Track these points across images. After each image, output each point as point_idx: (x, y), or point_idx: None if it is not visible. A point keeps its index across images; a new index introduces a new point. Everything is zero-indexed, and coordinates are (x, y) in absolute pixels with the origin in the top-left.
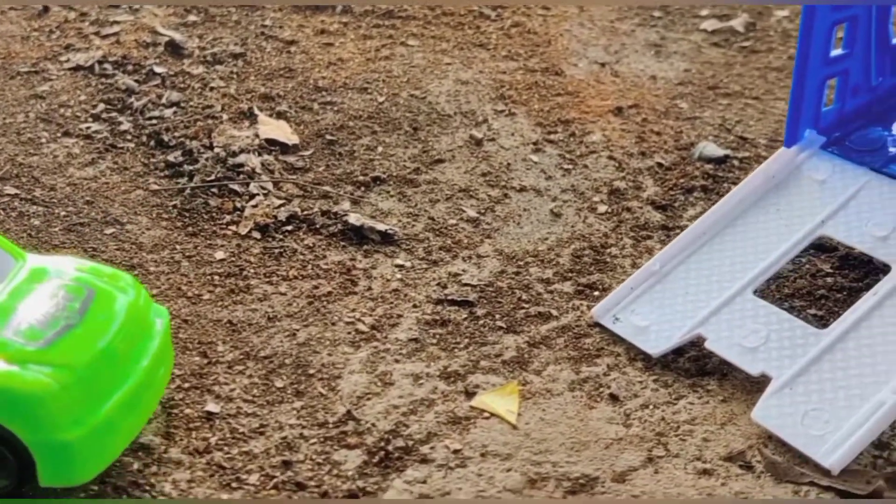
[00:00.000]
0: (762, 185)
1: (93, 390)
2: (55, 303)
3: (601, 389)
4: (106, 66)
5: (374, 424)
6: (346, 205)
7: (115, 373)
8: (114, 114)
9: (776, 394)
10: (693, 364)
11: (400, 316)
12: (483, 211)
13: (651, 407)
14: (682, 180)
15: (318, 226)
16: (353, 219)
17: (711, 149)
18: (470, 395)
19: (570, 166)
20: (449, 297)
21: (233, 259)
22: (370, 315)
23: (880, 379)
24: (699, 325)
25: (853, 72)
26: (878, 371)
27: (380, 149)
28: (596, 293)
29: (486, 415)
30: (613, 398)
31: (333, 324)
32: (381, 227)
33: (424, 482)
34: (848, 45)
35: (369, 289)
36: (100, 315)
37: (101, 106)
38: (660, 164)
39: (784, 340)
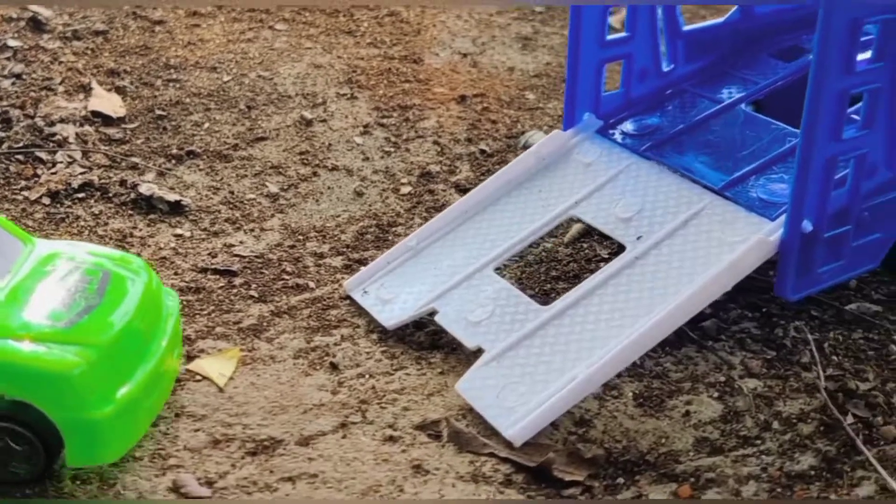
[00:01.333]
0: (532, 167)
1: (118, 369)
2: (73, 285)
3: (325, 358)
4: None
5: None
6: (151, 176)
7: (137, 351)
8: None
9: (484, 366)
10: (428, 338)
11: None
12: (286, 187)
13: (367, 376)
14: (497, 166)
15: (110, 194)
16: (145, 188)
17: (538, 137)
18: (192, 358)
19: (392, 149)
20: (213, 266)
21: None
22: None
23: (581, 356)
24: (436, 300)
25: (638, 56)
26: (582, 347)
27: (206, 125)
28: (362, 268)
29: (198, 377)
30: (333, 367)
31: None
32: (171, 197)
33: None
34: (629, 29)
35: (138, 255)
36: (118, 296)
37: None
38: (482, 151)
39: (507, 316)
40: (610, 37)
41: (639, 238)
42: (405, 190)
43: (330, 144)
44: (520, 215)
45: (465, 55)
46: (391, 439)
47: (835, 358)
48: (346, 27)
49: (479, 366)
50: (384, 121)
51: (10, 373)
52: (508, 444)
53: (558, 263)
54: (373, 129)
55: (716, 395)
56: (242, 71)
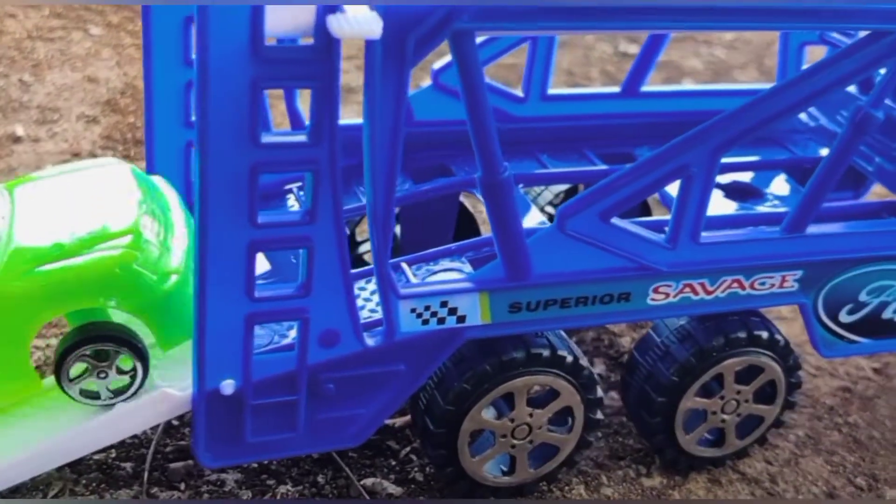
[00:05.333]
0: None
1: (161, 246)
2: (66, 199)
3: None
4: None
5: None
6: None
7: (160, 226)
8: None
9: None
10: None
11: None
12: None
13: None
14: None
15: None
16: None
17: None
18: None
19: None
20: None
21: None
22: None
23: None
24: None
25: None
26: None
27: None
28: None
29: None
30: None
31: None
32: None
33: None
34: None
35: None
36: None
37: None
38: None
39: None
40: None
41: None
42: None
43: (14, 169)
44: None
45: None
46: None
47: None
48: None
49: None
50: (103, 153)
51: (78, 287)
52: None
53: None
54: (81, 160)
55: None
56: (7, 72)
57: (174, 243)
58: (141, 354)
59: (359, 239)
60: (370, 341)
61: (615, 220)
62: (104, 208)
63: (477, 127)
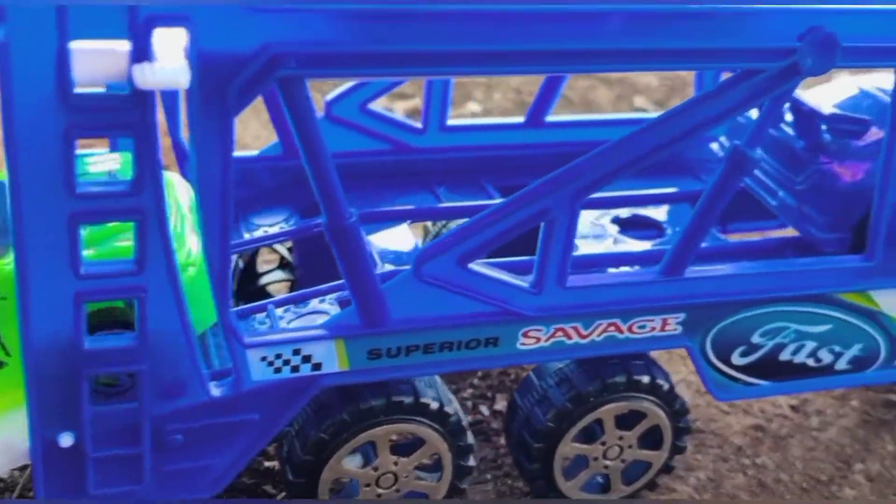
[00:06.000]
0: None
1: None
2: None
3: None
4: None
5: None
6: None
7: None
8: None
9: None
10: None
11: None
12: None
13: None
14: None
15: None
16: None
17: None
18: None
19: None
20: None
21: None
22: None
23: None
24: None
25: None
26: None
27: None
28: None
29: None
30: None
31: None
32: None
33: None
34: None
35: None
36: None
37: None
38: None
39: None
40: None
41: None
42: None
43: None
44: None
45: None
46: None
47: None
48: None
49: None
50: None
51: None
52: None
53: None
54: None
55: None
56: None
57: (189, 237)
58: None
59: (259, 270)
60: (217, 391)
61: (475, 265)
62: None
63: (315, 172)
